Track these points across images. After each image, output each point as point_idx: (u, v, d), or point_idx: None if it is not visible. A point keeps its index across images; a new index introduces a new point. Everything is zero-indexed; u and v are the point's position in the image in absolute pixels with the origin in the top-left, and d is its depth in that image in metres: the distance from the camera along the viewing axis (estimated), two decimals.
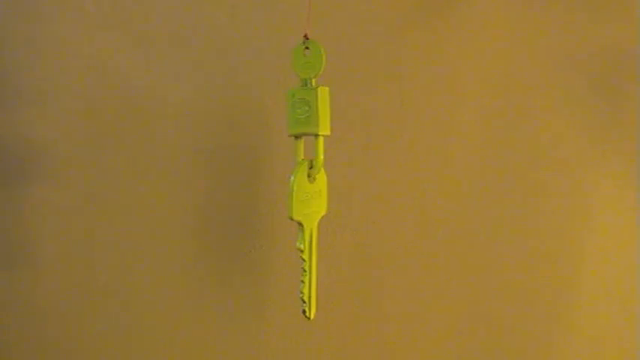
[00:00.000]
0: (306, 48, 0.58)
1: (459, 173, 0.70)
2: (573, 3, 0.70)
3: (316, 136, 0.58)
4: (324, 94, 0.58)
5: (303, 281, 0.58)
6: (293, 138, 0.58)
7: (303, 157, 0.58)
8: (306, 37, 0.57)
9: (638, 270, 0.70)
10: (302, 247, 0.58)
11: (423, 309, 0.70)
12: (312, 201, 0.58)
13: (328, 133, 0.58)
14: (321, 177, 0.59)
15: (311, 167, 0.58)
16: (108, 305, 0.70)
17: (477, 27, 0.70)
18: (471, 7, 0.70)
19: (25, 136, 0.69)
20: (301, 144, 0.58)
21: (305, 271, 0.58)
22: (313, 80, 0.58)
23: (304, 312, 0.58)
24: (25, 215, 0.69)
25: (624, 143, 0.70)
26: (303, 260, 0.58)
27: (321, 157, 0.58)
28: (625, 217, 0.70)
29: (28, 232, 0.69)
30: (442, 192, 0.70)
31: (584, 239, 0.70)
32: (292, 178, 0.57)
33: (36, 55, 0.70)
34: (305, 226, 0.57)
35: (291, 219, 0.57)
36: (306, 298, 0.58)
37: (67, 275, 0.70)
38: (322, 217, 0.59)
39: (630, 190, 0.70)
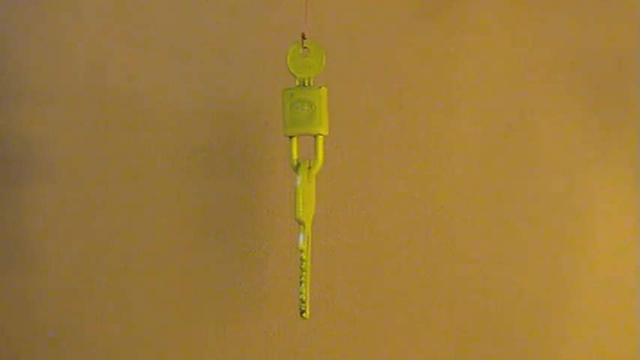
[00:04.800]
0: (304, 47, 0.58)
1: (459, 173, 0.70)
2: (573, 3, 0.70)
3: (316, 136, 0.58)
4: (324, 94, 0.58)
5: (302, 281, 0.58)
6: (288, 138, 0.58)
7: (297, 157, 0.58)
8: (303, 36, 0.58)
9: (638, 270, 0.70)
10: (303, 247, 0.58)
11: (423, 309, 0.70)
12: (309, 201, 0.58)
13: (327, 133, 0.58)
14: (313, 178, 0.59)
15: (309, 167, 0.58)
16: (107, 305, 0.70)
17: (477, 27, 0.70)
18: (470, 7, 0.70)
19: (25, 136, 0.69)
20: (296, 144, 0.58)
21: (304, 270, 0.58)
22: (311, 80, 0.58)
23: (302, 312, 0.58)
24: (25, 215, 0.69)
25: (624, 143, 0.70)
26: (303, 260, 0.58)
27: (322, 157, 0.58)
28: (625, 217, 0.70)
29: (28, 232, 0.70)
30: (442, 192, 0.70)
31: (584, 239, 0.70)
32: (298, 178, 0.57)
33: (36, 55, 0.70)
34: (306, 225, 0.58)
35: (297, 220, 0.57)
36: (304, 298, 0.58)
37: (67, 275, 0.70)
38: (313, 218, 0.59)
39: (630, 190, 0.70)
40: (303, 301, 0.58)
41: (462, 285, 0.70)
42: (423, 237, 0.70)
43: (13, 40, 0.70)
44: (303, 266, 0.58)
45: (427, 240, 0.70)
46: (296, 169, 0.58)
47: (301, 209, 0.57)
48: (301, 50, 0.58)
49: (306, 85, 0.58)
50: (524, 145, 0.70)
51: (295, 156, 0.58)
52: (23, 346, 0.70)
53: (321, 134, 0.58)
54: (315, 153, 0.58)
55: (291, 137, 0.58)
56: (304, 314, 0.58)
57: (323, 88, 0.58)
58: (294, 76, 0.58)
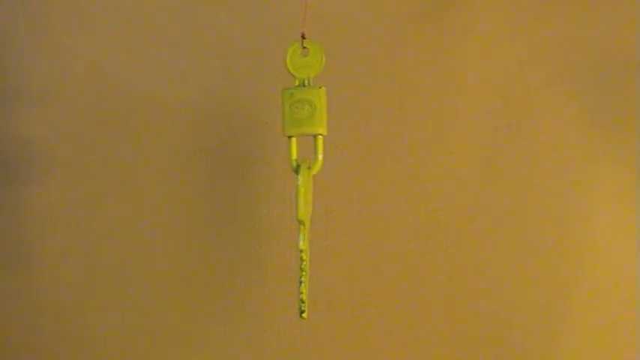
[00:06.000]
0: (304, 47, 0.58)
1: (459, 173, 0.70)
2: (573, 3, 0.70)
3: (316, 136, 0.58)
4: (324, 94, 0.58)
5: (302, 281, 0.58)
6: (287, 137, 0.58)
7: (297, 157, 0.58)
8: (303, 36, 0.57)
9: (638, 270, 0.70)
10: (303, 247, 0.57)
11: (423, 309, 0.70)
12: (308, 202, 0.58)
13: (327, 133, 0.58)
14: (310, 177, 0.59)
15: (309, 168, 0.58)
16: (107, 305, 0.70)
17: (477, 27, 0.70)
18: (470, 7, 0.70)
19: (25, 136, 0.69)
20: (295, 144, 0.58)
21: (304, 270, 0.57)
22: (311, 80, 0.58)
23: (302, 312, 0.57)
24: (25, 215, 0.70)
25: (624, 143, 0.70)
26: (303, 260, 0.58)
27: (321, 157, 0.58)
28: (625, 217, 0.70)
29: (28, 232, 0.70)
30: (442, 192, 0.70)
31: (584, 239, 0.70)
32: (300, 179, 0.57)
33: (36, 55, 0.70)
34: (306, 225, 0.57)
35: (298, 220, 0.56)
36: (304, 298, 0.57)
37: (67, 275, 0.70)
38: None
39: (630, 190, 0.70)
40: (302, 302, 0.57)
41: (461, 285, 0.70)
42: (423, 237, 0.70)
43: (13, 41, 0.70)
44: (303, 266, 0.58)
45: (427, 240, 0.70)
46: (297, 169, 0.58)
47: (302, 209, 0.56)
48: (301, 50, 0.58)
49: (306, 85, 0.58)
50: (524, 145, 0.70)
51: (295, 156, 0.58)
52: (23, 346, 0.70)
53: (321, 134, 0.58)
54: (315, 153, 0.58)
55: (290, 137, 0.58)
56: (303, 314, 0.57)
57: (322, 88, 0.57)
58: (294, 76, 0.58)
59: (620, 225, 0.70)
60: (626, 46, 0.69)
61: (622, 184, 0.70)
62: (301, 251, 0.57)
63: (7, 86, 0.70)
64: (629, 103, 0.70)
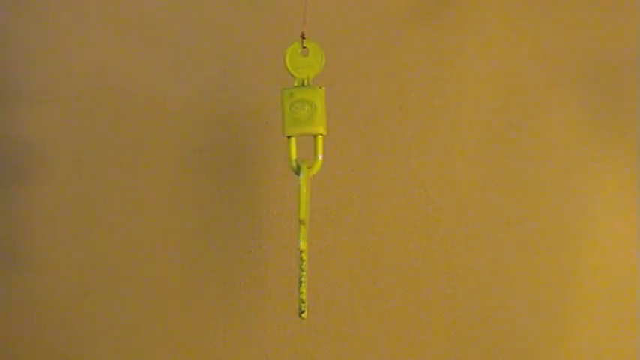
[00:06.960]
0: (304, 47, 0.58)
1: (459, 173, 0.70)
2: (573, 3, 0.70)
3: (316, 136, 0.58)
4: (324, 94, 0.58)
5: (302, 281, 0.57)
6: (286, 137, 0.58)
7: (296, 157, 0.58)
8: (303, 36, 0.57)
9: (638, 270, 0.70)
10: (304, 247, 0.57)
11: (423, 309, 0.70)
12: (308, 201, 0.58)
13: (326, 133, 0.58)
14: (310, 177, 0.59)
15: (308, 168, 0.57)
16: (107, 304, 0.70)
17: (477, 27, 0.70)
18: (470, 7, 0.70)
19: (24, 136, 0.70)
20: (295, 144, 0.58)
21: (304, 270, 0.57)
22: (310, 80, 0.58)
23: (302, 312, 0.57)
24: (25, 215, 0.70)
25: (624, 143, 0.70)
26: (303, 260, 0.57)
27: (321, 157, 0.58)
28: (625, 217, 0.70)
29: (28, 232, 0.70)
30: (442, 192, 0.70)
31: (584, 239, 0.70)
32: (301, 179, 0.57)
33: (36, 55, 0.70)
34: (306, 225, 0.57)
35: (300, 220, 0.56)
36: (304, 298, 0.57)
37: (67, 275, 0.70)
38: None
39: (630, 190, 0.70)
40: (302, 301, 0.57)
41: (461, 284, 0.70)
42: (423, 237, 0.70)
43: (13, 41, 0.70)
44: (303, 266, 0.57)
45: (426, 240, 0.70)
46: (297, 169, 0.58)
47: (304, 209, 0.56)
48: (300, 50, 0.58)
49: (306, 85, 0.57)
50: (524, 145, 0.70)
51: (294, 156, 0.58)
52: (23, 345, 0.70)
53: (320, 134, 0.58)
54: (315, 153, 0.58)
55: (290, 137, 0.58)
56: (303, 314, 0.57)
57: (322, 88, 0.57)
58: (293, 76, 0.58)
59: (620, 224, 0.70)
60: (626, 46, 0.69)
61: (622, 184, 0.70)
62: (301, 251, 0.57)
63: (7, 86, 0.70)
64: (629, 104, 0.70)
